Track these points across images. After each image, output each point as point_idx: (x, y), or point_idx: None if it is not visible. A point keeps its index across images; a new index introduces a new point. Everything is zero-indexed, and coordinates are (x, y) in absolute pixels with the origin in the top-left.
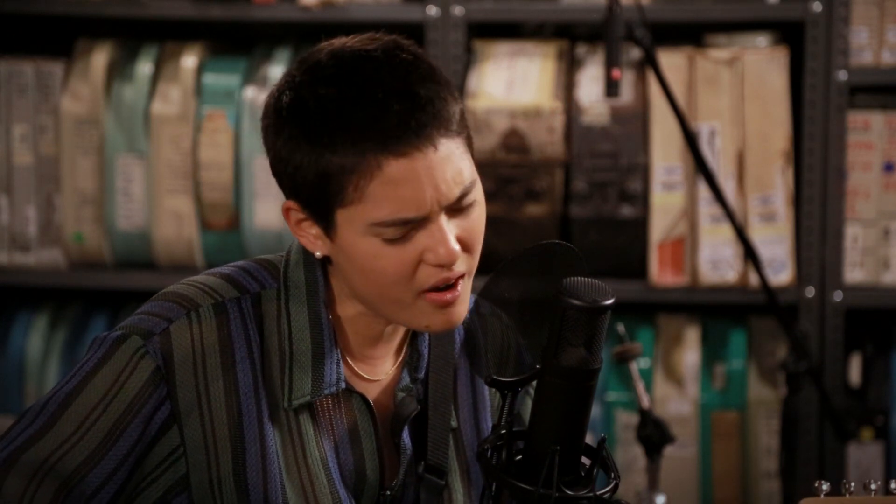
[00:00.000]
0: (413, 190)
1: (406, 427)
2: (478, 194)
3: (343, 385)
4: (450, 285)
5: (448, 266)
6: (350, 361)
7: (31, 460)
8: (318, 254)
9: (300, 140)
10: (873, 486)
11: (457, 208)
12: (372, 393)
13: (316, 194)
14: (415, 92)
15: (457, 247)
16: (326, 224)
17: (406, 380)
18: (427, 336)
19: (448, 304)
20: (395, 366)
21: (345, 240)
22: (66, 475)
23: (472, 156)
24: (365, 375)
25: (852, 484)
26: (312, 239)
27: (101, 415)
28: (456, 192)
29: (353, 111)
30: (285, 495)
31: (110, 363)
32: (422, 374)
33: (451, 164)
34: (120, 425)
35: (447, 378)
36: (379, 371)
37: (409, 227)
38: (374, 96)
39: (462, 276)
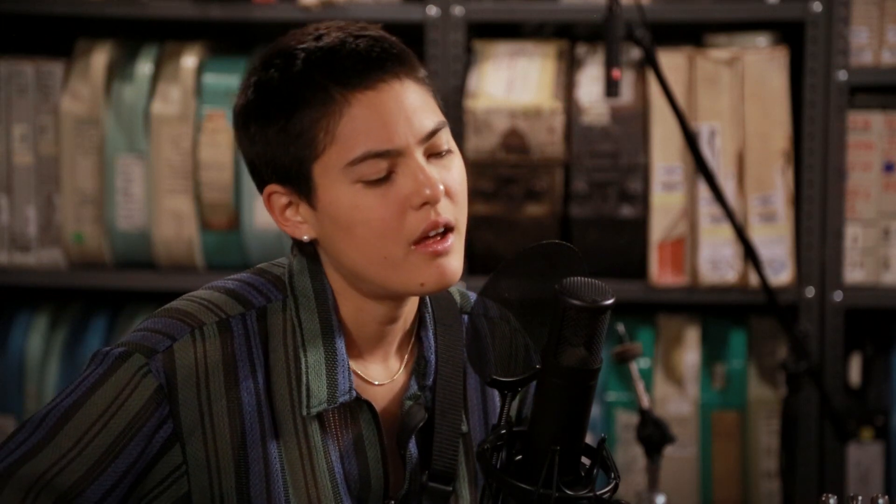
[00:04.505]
0: (383, 122)
1: (412, 436)
2: (453, 145)
3: (354, 394)
4: (439, 233)
5: (433, 203)
6: (355, 367)
7: (28, 474)
8: (305, 238)
9: (269, 114)
10: (881, 501)
11: (435, 152)
12: (379, 399)
13: (291, 159)
14: (370, 35)
15: (440, 185)
16: (307, 190)
17: (414, 387)
18: (433, 342)
19: (440, 255)
20: (402, 370)
21: (326, 199)
22: (63, 490)
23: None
24: (371, 380)
25: (860, 497)
26: (297, 224)
27: (100, 431)
28: (429, 125)
29: (313, 65)
30: None
31: (112, 380)
32: (430, 381)
33: (420, 97)
34: (119, 443)
35: (457, 383)
36: (385, 374)
37: (386, 162)
38: (332, 47)
39: (451, 228)
